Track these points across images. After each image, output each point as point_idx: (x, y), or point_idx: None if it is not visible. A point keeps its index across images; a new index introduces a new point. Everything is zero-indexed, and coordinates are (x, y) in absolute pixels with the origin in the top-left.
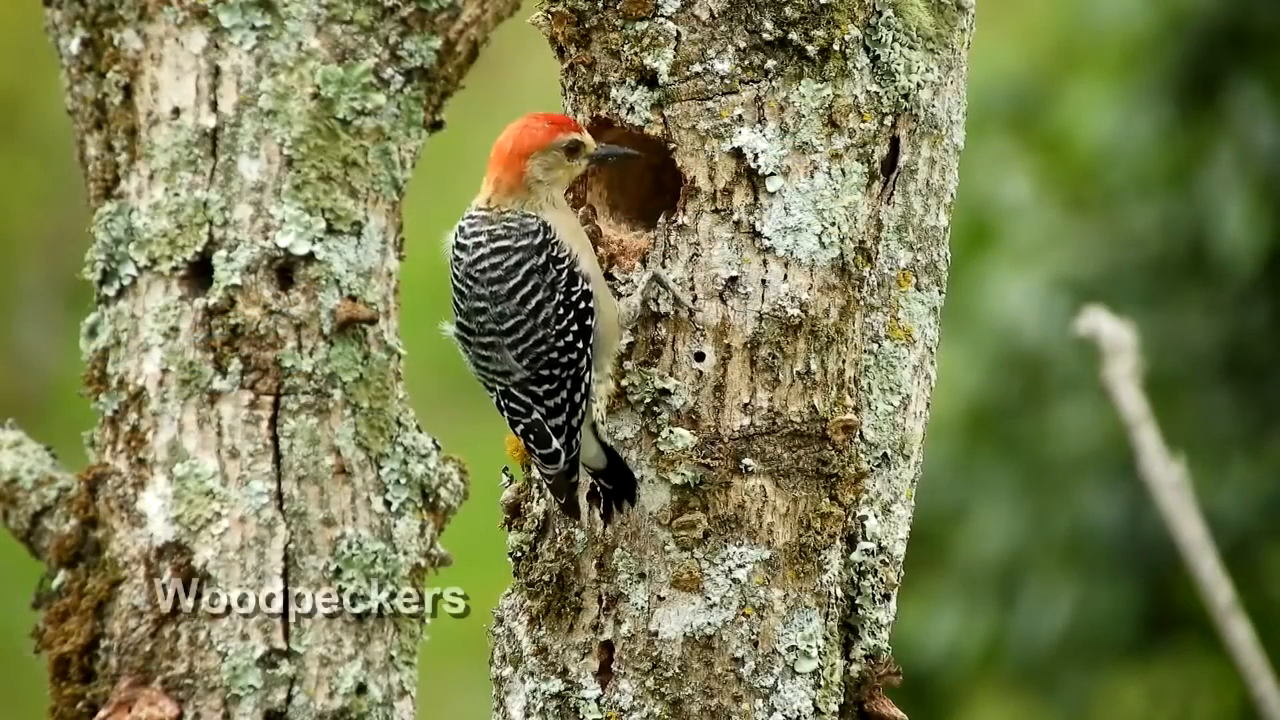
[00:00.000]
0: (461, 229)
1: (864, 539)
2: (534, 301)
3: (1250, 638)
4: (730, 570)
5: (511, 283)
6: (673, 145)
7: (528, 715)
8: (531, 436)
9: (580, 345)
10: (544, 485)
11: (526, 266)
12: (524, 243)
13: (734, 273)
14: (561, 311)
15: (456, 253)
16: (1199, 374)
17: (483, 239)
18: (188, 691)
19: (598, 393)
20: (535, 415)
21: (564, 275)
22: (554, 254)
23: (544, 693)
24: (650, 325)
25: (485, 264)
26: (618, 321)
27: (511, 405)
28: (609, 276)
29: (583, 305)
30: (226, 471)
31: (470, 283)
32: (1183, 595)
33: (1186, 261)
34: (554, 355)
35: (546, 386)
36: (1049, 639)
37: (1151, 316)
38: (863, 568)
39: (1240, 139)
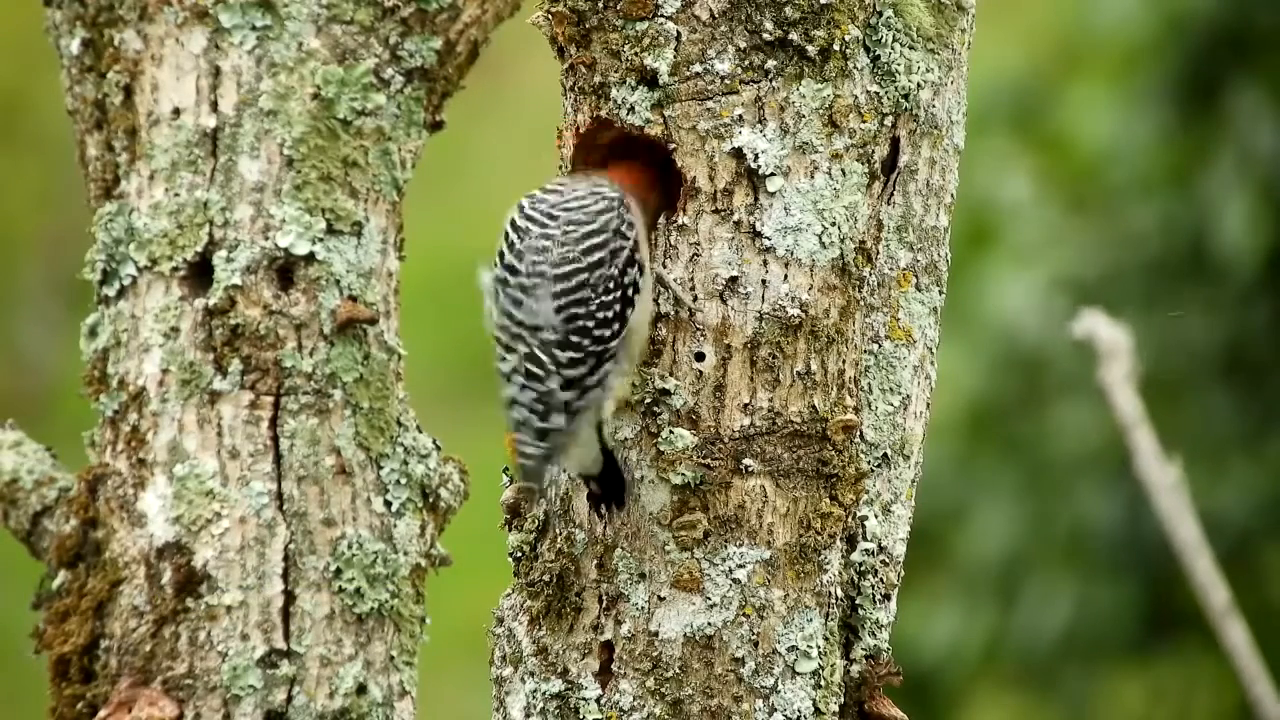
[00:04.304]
0: (544, 187)
1: (864, 539)
2: (596, 256)
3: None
4: (730, 570)
5: (587, 227)
6: (673, 145)
7: (528, 715)
8: (538, 410)
9: (615, 328)
10: (520, 468)
11: (606, 216)
12: (611, 200)
13: (734, 273)
14: (610, 285)
15: (540, 194)
16: (1199, 374)
17: (580, 188)
18: (188, 691)
19: (613, 387)
20: (551, 384)
21: (625, 253)
22: (626, 227)
23: (544, 693)
24: (650, 325)
25: (575, 202)
26: (647, 328)
27: (530, 369)
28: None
29: (630, 291)
30: (227, 472)
31: (547, 220)
32: (1183, 595)
33: (1186, 262)
34: (589, 324)
35: (572, 354)
36: (1049, 638)
37: (1151, 317)
38: (863, 568)
39: (1240, 141)
